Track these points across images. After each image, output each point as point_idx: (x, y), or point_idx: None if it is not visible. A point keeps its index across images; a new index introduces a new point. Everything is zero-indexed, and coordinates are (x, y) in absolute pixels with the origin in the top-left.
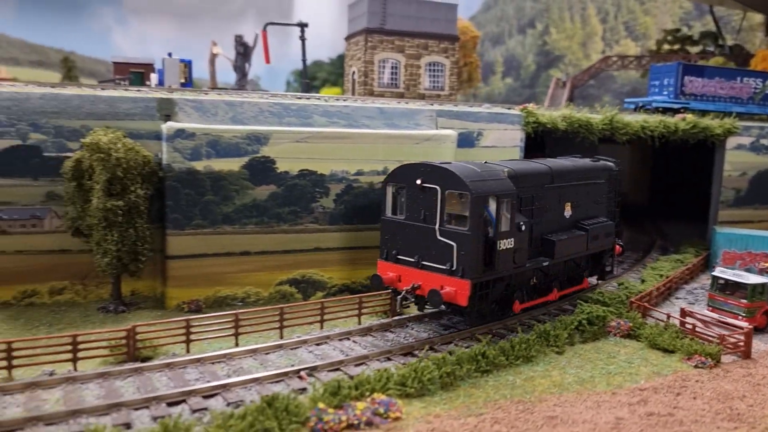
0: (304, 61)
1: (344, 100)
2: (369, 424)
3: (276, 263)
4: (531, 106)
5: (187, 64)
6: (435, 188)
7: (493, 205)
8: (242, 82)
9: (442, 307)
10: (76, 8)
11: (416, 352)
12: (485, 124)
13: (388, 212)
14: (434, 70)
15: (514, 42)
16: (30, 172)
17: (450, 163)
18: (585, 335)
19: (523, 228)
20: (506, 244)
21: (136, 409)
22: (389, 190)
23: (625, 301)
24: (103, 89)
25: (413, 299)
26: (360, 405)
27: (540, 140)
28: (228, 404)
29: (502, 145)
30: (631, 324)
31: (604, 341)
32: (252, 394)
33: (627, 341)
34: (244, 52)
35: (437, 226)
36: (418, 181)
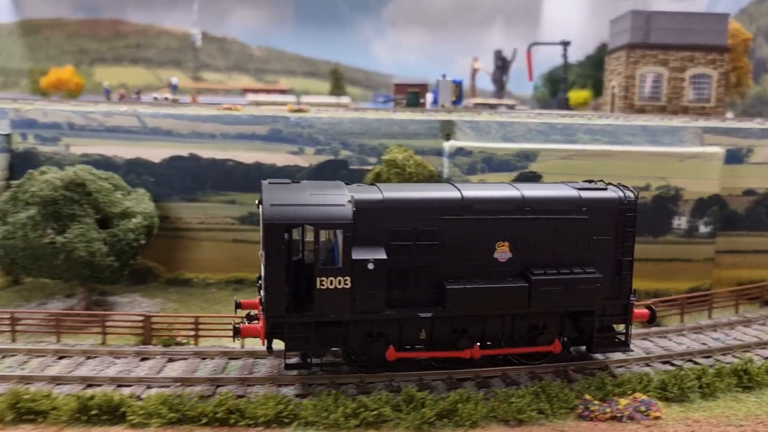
0: (565, 79)
1: (606, 118)
2: (631, 418)
3: None
4: None
5: (458, 84)
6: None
7: (339, 236)
8: (500, 93)
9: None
10: (342, 24)
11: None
12: (756, 140)
13: None
14: (699, 82)
15: None
16: None
17: (287, 182)
18: None
19: (371, 267)
20: (335, 282)
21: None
22: None
23: None
24: (394, 112)
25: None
26: (622, 401)
27: None
28: (507, 385)
29: None
30: None
31: None
32: (523, 379)
33: None
34: (502, 65)
35: (260, 252)
36: (257, 201)
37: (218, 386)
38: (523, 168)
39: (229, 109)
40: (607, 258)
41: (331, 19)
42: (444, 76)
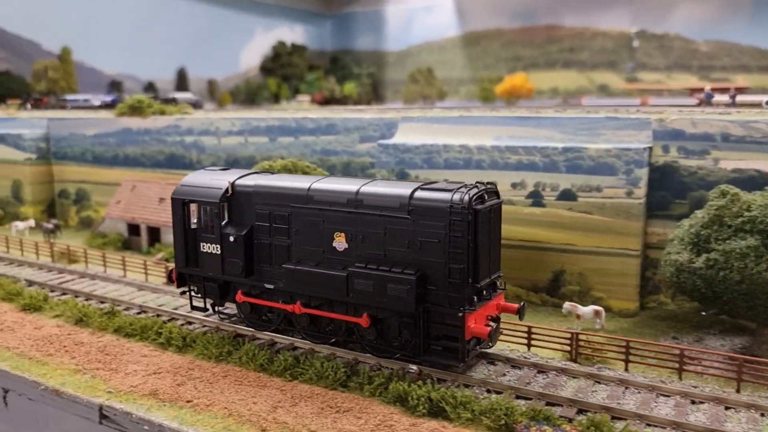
0: None
1: None
2: None
3: None
4: None
5: None
6: None
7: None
8: None
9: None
10: None
11: None
12: None
13: None
14: None
15: None
16: None
17: (215, 169)
18: None
19: (232, 239)
20: (210, 248)
21: None
22: None
23: None
24: None
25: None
26: None
27: None
28: None
29: None
30: None
31: None
32: None
33: None
34: None
35: None
36: None
37: None
38: None
39: None
40: (437, 263)
41: None
42: None
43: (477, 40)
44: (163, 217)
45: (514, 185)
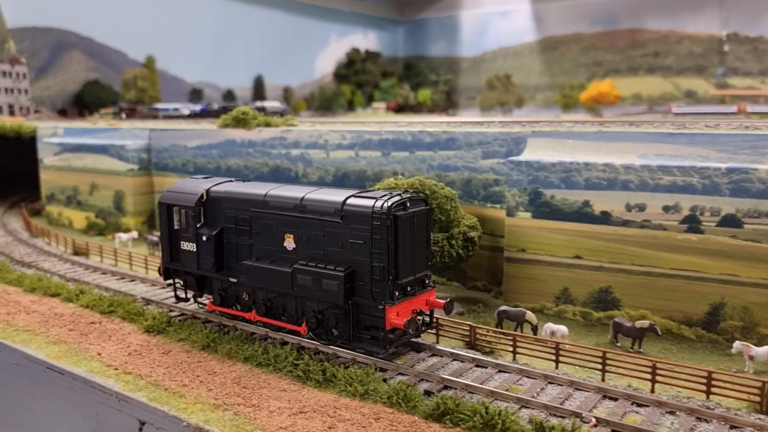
0: None
1: None
2: None
3: None
4: None
5: None
6: None
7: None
8: None
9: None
10: None
11: None
12: None
13: None
14: None
15: None
16: None
17: (199, 177)
18: None
19: (205, 239)
20: (188, 246)
21: None
22: None
23: None
24: None
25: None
26: None
27: None
28: None
29: None
30: None
31: None
32: None
33: None
34: None
35: None
36: None
37: None
38: None
39: None
40: (363, 262)
41: None
42: None
43: (555, 45)
44: None
45: (666, 209)
